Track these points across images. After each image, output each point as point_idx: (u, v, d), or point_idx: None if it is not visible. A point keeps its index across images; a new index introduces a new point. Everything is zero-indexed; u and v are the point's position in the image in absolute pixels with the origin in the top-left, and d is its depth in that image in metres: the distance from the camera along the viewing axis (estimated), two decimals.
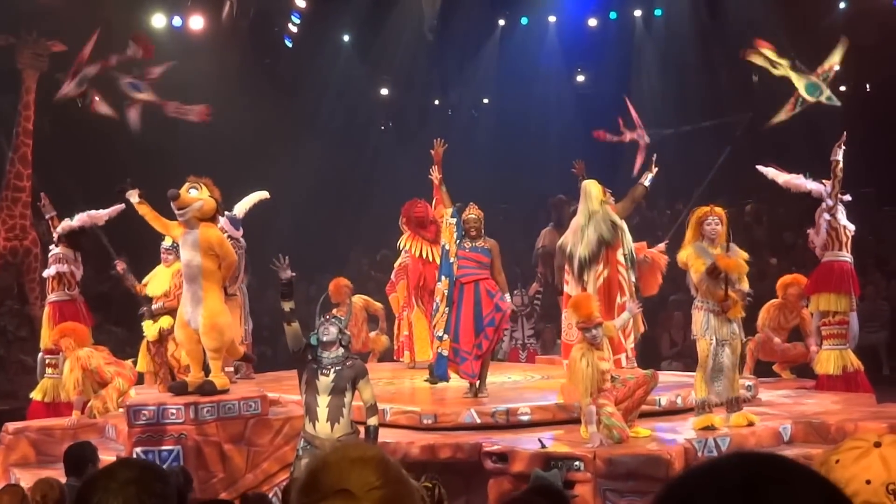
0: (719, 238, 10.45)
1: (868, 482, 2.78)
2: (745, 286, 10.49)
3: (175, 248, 12.12)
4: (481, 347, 12.04)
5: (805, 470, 2.08)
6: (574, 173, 13.31)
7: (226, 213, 12.82)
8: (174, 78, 15.02)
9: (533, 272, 16.57)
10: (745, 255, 10.58)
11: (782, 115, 13.61)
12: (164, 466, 8.96)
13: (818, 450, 8.35)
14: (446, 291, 12.32)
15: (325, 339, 9.04)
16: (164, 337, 12.57)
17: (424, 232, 14.05)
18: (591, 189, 12.95)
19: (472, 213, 12.37)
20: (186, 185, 10.69)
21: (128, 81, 12.28)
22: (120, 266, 12.90)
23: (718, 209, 10.65)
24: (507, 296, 12.40)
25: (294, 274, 9.49)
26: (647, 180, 13.09)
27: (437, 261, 13.35)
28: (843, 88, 22.68)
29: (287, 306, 9.24)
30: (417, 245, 14.17)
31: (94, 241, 14.12)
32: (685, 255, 10.50)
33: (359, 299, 15.28)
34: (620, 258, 12.77)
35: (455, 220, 12.45)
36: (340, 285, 14.94)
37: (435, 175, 13.36)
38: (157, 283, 12.82)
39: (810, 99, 13.33)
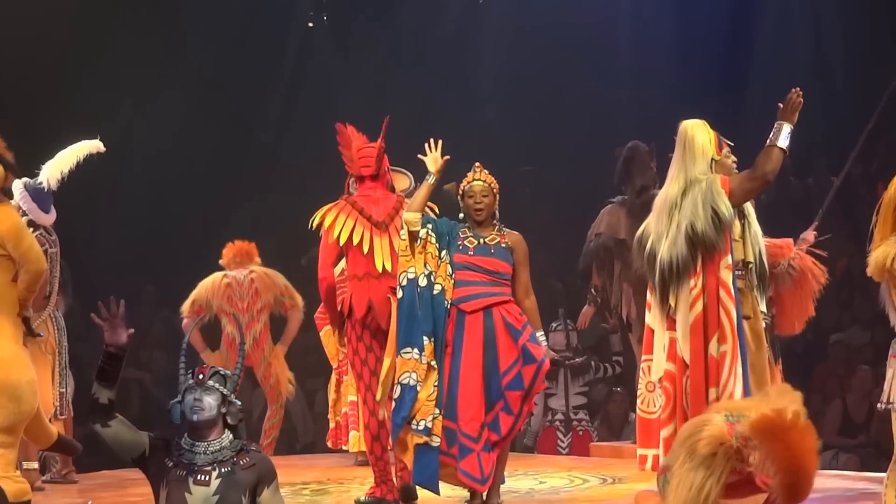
0: None
1: None
2: None
3: None
4: (498, 428, 9.00)
5: None
6: None
7: (25, 180, 9.92)
8: None
9: (583, 287, 12.38)
10: None
11: None
12: None
13: None
14: (431, 361, 9.06)
15: (195, 418, 6.47)
16: None
17: (369, 192, 9.37)
18: (697, 134, 8.73)
19: (479, 178, 9.23)
20: None
21: None
22: None
23: None
24: (542, 333, 9.15)
25: (132, 330, 6.33)
26: (780, 138, 8.54)
27: (389, 267, 9.30)
28: None
29: (105, 395, 6.55)
30: (357, 229, 9.27)
31: None
32: (887, 253, 7.81)
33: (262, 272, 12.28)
34: (724, 272, 8.70)
35: (431, 226, 9.16)
36: (242, 251, 12.39)
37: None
38: None
39: None
